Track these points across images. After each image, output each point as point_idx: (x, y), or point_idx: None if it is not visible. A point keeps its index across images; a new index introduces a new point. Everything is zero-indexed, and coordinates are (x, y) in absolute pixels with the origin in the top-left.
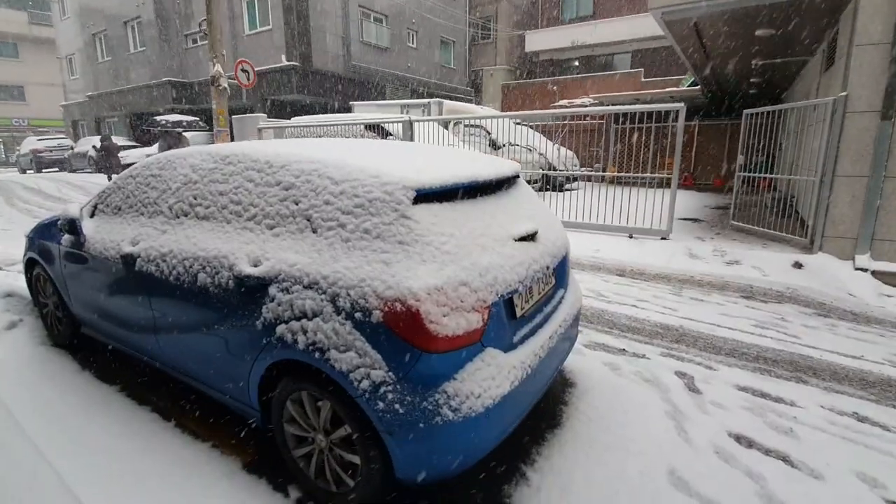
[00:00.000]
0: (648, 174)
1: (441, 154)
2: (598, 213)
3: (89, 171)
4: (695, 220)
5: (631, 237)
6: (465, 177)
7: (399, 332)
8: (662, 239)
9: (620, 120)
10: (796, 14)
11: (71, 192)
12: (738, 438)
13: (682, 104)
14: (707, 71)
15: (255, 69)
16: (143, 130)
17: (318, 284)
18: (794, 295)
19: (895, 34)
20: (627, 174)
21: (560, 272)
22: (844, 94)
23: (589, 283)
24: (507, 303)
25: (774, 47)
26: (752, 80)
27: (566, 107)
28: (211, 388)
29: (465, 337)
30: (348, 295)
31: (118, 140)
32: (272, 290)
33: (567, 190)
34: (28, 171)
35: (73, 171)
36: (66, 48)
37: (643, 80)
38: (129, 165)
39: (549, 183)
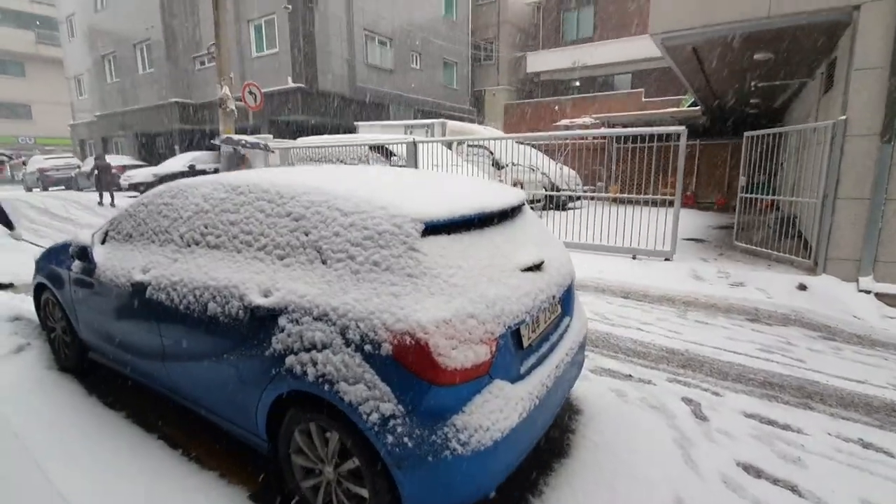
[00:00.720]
0: (651, 196)
1: (448, 183)
2: (601, 233)
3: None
4: (698, 240)
5: (634, 258)
6: (473, 208)
7: (408, 365)
8: (666, 260)
9: (622, 140)
10: (794, 39)
11: (77, 212)
12: (747, 468)
13: (684, 128)
14: (707, 92)
15: (262, 90)
16: (211, 146)
17: (328, 316)
18: (799, 318)
19: (893, 59)
20: (630, 195)
21: (566, 300)
22: (844, 117)
23: (593, 305)
24: (514, 334)
25: (773, 70)
26: (751, 100)
27: (568, 126)
28: (218, 417)
29: (473, 370)
30: (358, 327)
31: (112, 158)
32: (282, 320)
33: (570, 209)
34: (34, 189)
35: (80, 189)
36: (74, 68)
37: (644, 99)
38: (136, 184)
39: (552, 202)
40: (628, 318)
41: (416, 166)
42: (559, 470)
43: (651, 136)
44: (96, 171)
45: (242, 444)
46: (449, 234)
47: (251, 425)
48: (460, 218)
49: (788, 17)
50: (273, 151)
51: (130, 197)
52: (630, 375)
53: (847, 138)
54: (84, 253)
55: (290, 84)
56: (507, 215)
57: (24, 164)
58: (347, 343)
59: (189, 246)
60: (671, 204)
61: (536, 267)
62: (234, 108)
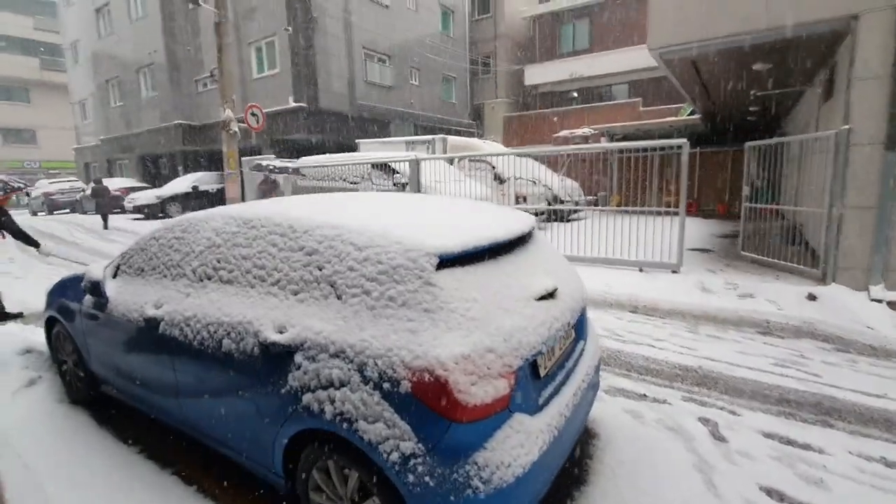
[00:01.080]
0: (654, 207)
1: (458, 211)
2: (605, 245)
3: None
4: (703, 250)
5: (641, 271)
6: (486, 238)
7: (428, 402)
8: (673, 272)
9: (624, 151)
10: (792, 49)
11: (82, 235)
12: (769, 491)
13: (685, 141)
14: (706, 102)
15: (264, 111)
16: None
17: (345, 353)
18: (812, 329)
19: (895, 68)
20: (634, 208)
21: (579, 324)
22: (847, 127)
23: (602, 320)
24: (531, 364)
25: (772, 80)
26: (750, 108)
27: (567, 137)
28: (234, 453)
29: (493, 405)
30: (376, 364)
31: (114, 181)
32: (298, 357)
33: (573, 219)
34: (39, 214)
35: (85, 212)
36: (78, 93)
37: (641, 109)
38: (140, 207)
39: (555, 213)
40: (639, 333)
41: (418, 183)
42: (579, 499)
43: (652, 147)
44: (92, 195)
45: (259, 481)
46: (463, 265)
47: (268, 462)
48: (474, 249)
49: (787, 28)
50: (303, 175)
51: (133, 219)
52: (644, 395)
53: (851, 147)
54: (96, 287)
55: (292, 104)
56: (518, 243)
57: (28, 195)
58: (365, 381)
59: (201, 281)
60: (675, 213)
61: (550, 295)
62: (237, 129)
